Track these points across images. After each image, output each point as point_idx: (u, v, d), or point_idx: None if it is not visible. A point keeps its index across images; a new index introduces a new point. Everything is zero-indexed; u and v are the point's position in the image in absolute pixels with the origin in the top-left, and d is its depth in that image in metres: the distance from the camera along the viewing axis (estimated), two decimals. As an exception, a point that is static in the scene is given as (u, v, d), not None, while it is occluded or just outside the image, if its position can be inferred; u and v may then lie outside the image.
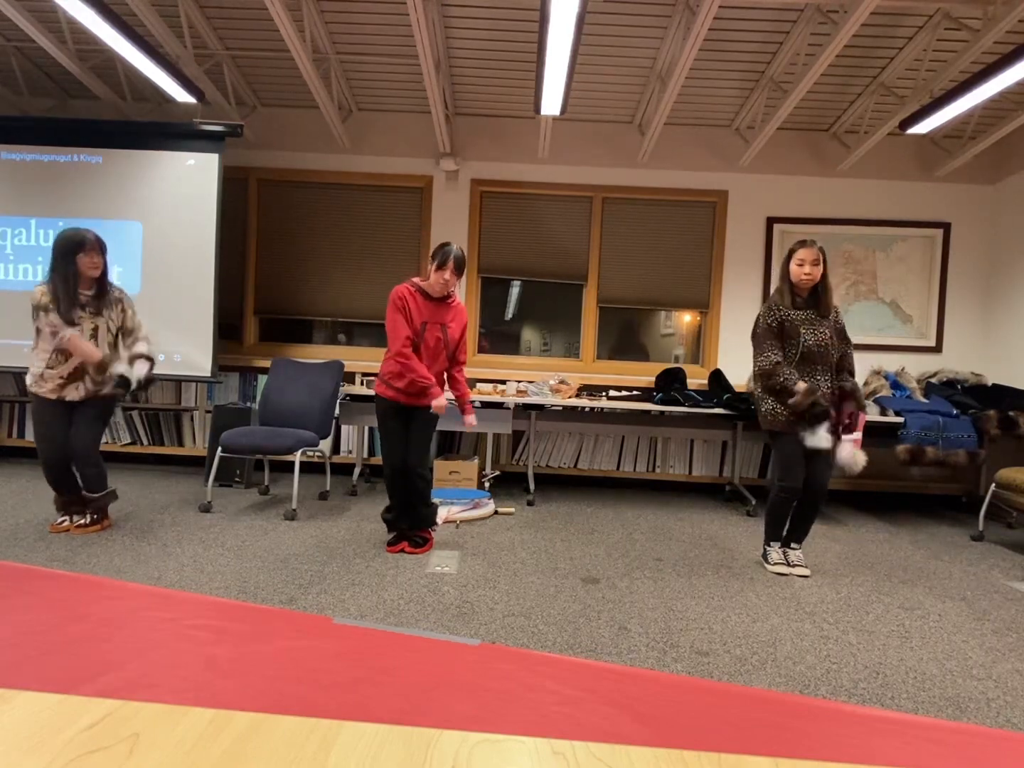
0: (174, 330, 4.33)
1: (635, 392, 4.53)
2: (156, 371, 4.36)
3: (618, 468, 4.80)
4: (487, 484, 4.30)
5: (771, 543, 2.94)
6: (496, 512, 3.76)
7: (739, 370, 4.56)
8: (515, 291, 4.99)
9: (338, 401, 4.06)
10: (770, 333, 2.77)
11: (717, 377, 4.51)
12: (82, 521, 3.05)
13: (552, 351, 5.01)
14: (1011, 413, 3.87)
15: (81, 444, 2.97)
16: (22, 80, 4.54)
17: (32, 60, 4.43)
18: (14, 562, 2.41)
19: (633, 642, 2.08)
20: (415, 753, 0.51)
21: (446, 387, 3.05)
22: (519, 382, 4.33)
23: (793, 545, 2.93)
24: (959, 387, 4.42)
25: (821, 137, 4.76)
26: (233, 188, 4.72)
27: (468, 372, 4.67)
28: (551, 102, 3.70)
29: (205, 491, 3.65)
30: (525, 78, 4.27)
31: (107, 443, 4.70)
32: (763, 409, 2.86)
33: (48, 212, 4.33)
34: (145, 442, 4.81)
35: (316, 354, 4.79)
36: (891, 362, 4.62)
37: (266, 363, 4.44)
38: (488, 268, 4.86)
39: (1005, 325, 4.59)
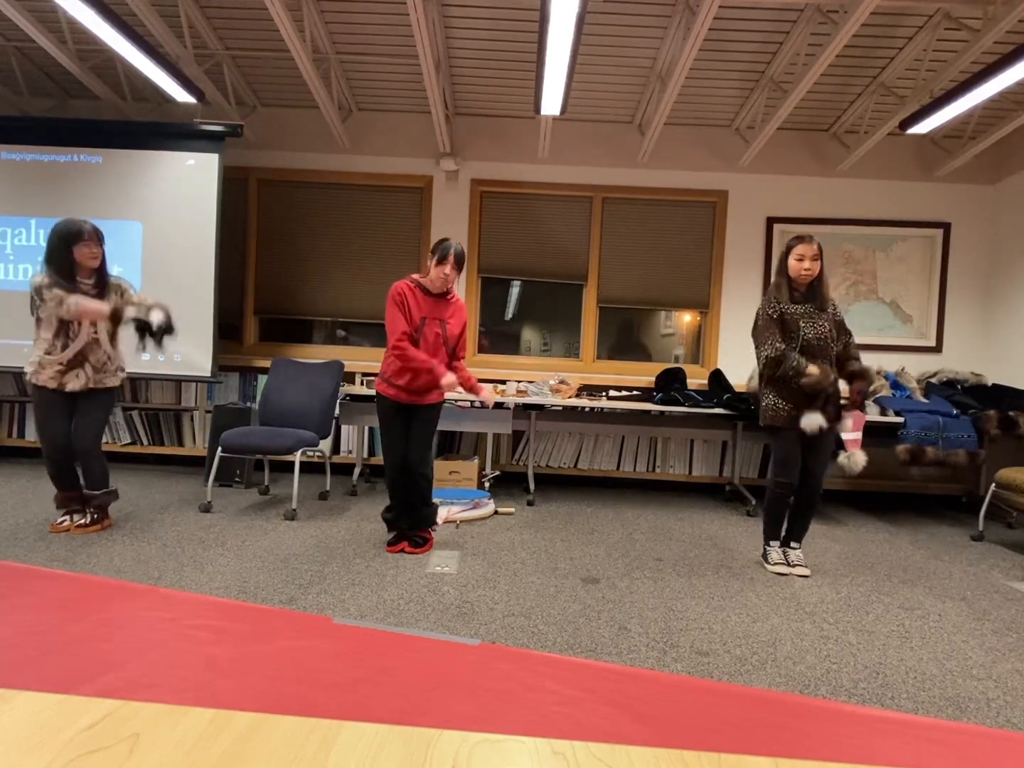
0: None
1: (635, 392, 4.53)
2: (155, 371, 4.38)
3: (618, 468, 4.80)
4: (487, 484, 4.30)
5: (771, 543, 2.94)
6: (496, 512, 3.76)
7: (739, 370, 4.56)
8: (515, 291, 4.99)
9: (338, 401, 4.06)
10: (772, 323, 2.78)
11: (717, 377, 4.51)
12: (82, 521, 3.05)
13: (552, 351, 5.01)
14: (1011, 413, 3.87)
15: (83, 439, 2.97)
16: (22, 80, 4.54)
17: (32, 60, 4.43)
18: (14, 562, 2.41)
19: (633, 642, 2.08)
20: (415, 753, 0.51)
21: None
22: (519, 382, 4.33)
23: (793, 545, 2.93)
24: (959, 387, 4.42)
25: (821, 137, 4.76)
26: (233, 188, 4.72)
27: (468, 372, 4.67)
28: (551, 102, 3.70)
29: (205, 491, 3.65)
30: (525, 78, 4.27)
31: (107, 443, 4.70)
32: (764, 404, 2.86)
33: (48, 212, 4.33)
34: (145, 442, 4.81)
35: (316, 354, 4.79)
36: (891, 362, 4.62)
37: (266, 363, 4.44)
38: (488, 268, 4.86)
39: (1005, 325, 4.59)
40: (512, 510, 3.83)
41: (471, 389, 2.96)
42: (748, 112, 4.49)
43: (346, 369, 4.23)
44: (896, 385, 4.40)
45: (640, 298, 4.87)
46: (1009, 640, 2.25)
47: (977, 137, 4.29)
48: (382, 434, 2.92)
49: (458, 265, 2.80)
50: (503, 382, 4.38)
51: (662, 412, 4.50)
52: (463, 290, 4.79)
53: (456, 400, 4.15)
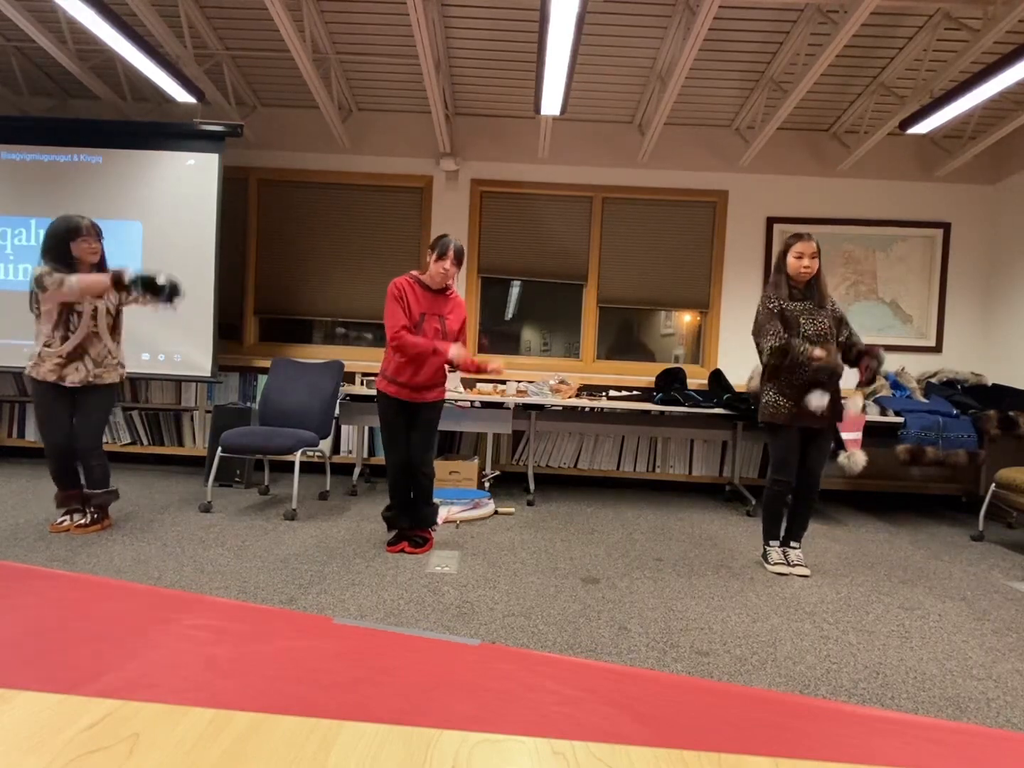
0: (174, 330, 4.33)
1: (635, 392, 4.53)
2: (155, 371, 4.38)
3: (618, 468, 4.80)
4: (487, 484, 4.30)
5: (770, 542, 2.94)
6: (496, 512, 3.76)
7: (739, 370, 4.56)
8: (515, 291, 4.99)
9: (338, 401, 4.06)
10: (773, 316, 2.77)
11: (717, 377, 4.51)
12: (82, 521, 3.05)
13: (552, 351, 5.01)
14: (1011, 413, 3.87)
15: (84, 438, 2.97)
16: (22, 80, 4.54)
17: (32, 60, 4.43)
18: (14, 562, 2.41)
19: (633, 642, 2.08)
20: (415, 753, 0.51)
21: (447, 382, 3.03)
22: (519, 382, 4.33)
23: (793, 544, 2.93)
24: (959, 387, 4.42)
25: (821, 137, 4.76)
26: (233, 188, 4.71)
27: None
28: (551, 102, 3.70)
29: (205, 491, 3.65)
30: (525, 78, 4.27)
31: (107, 443, 4.69)
32: (764, 401, 2.87)
33: (48, 212, 4.32)
34: (145, 442, 4.82)
35: (316, 354, 4.79)
36: (891, 362, 4.60)
37: (266, 363, 4.44)
38: (488, 268, 4.86)
39: (1005, 325, 4.59)
40: (512, 510, 3.83)
41: (479, 369, 2.87)
42: (748, 112, 4.49)
43: (346, 369, 4.23)
44: (896, 385, 4.40)
45: (640, 298, 4.87)
46: (1009, 640, 2.25)
47: (977, 137, 4.29)
48: (383, 433, 2.92)
49: (457, 260, 2.81)
50: (503, 382, 4.38)
51: (662, 412, 4.50)
52: (463, 289, 4.79)
53: (456, 400, 4.15)
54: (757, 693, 0.81)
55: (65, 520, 3.05)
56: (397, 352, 2.80)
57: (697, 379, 4.62)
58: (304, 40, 3.68)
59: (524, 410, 4.44)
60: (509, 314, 5.00)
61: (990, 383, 4.46)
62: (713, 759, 0.52)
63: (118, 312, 3.08)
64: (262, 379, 4.68)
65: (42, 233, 2.99)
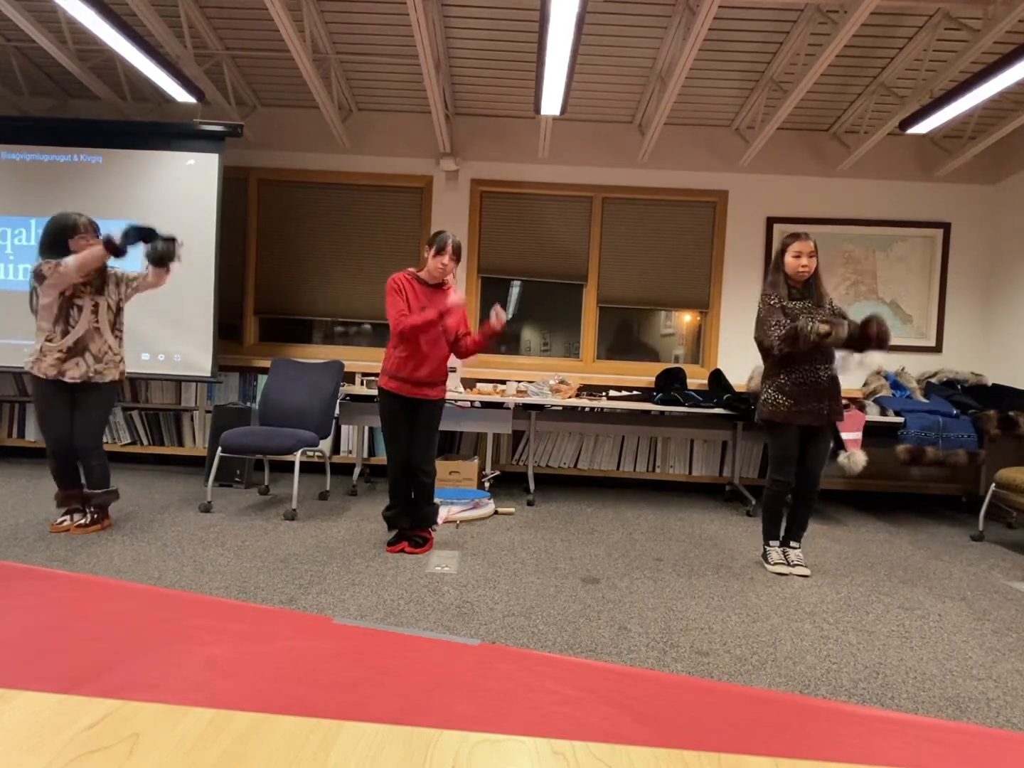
0: (174, 330, 4.33)
1: (635, 392, 4.53)
2: (155, 371, 4.38)
3: (618, 468, 4.80)
4: (487, 484, 4.30)
5: (770, 542, 2.94)
6: (496, 512, 3.76)
7: (739, 370, 4.56)
8: (515, 291, 4.99)
9: (338, 401, 4.06)
10: (775, 310, 2.77)
11: (717, 377, 4.51)
12: (82, 521, 3.05)
13: (552, 351, 5.01)
14: (1011, 413, 3.87)
15: (84, 438, 2.97)
16: (22, 80, 4.54)
17: (32, 60, 4.43)
18: (14, 562, 2.41)
19: (633, 642, 2.08)
20: (415, 753, 0.51)
21: (449, 381, 3.03)
22: (519, 382, 4.33)
23: (793, 544, 2.93)
24: (959, 387, 4.42)
25: (821, 137, 4.76)
26: (233, 188, 4.71)
27: (468, 372, 4.68)
28: (551, 102, 3.70)
29: (205, 491, 3.65)
30: (525, 78, 4.27)
31: (107, 443, 4.69)
32: (763, 398, 2.86)
33: (48, 212, 4.28)
34: (145, 442, 4.82)
35: (316, 354, 4.79)
36: (891, 362, 4.62)
37: (266, 363, 4.44)
38: (488, 268, 4.86)
39: (1005, 325, 4.59)
40: (512, 510, 3.83)
41: (484, 334, 2.88)
42: (748, 112, 4.49)
43: (346, 369, 4.23)
44: (896, 385, 4.40)
45: (640, 298, 4.87)
46: (1009, 640, 2.25)
47: (977, 137, 4.29)
48: (384, 432, 2.92)
49: (456, 256, 2.82)
50: (503, 382, 4.38)
51: (662, 412, 4.50)
52: (463, 289, 4.78)
53: (456, 400, 4.15)
54: (757, 693, 0.80)
55: (65, 520, 3.05)
56: (404, 339, 2.77)
57: (697, 379, 4.62)
58: (304, 40, 3.68)
59: (524, 410, 4.44)
60: (509, 314, 5.00)
61: (990, 383, 4.46)
62: (713, 759, 0.52)
63: (119, 309, 3.09)
64: (262, 379, 4.68)
65: (44, 228, 2.99)
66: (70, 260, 2.78)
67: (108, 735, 0.52)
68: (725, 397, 4.17)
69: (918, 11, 3.46)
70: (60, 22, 3.81)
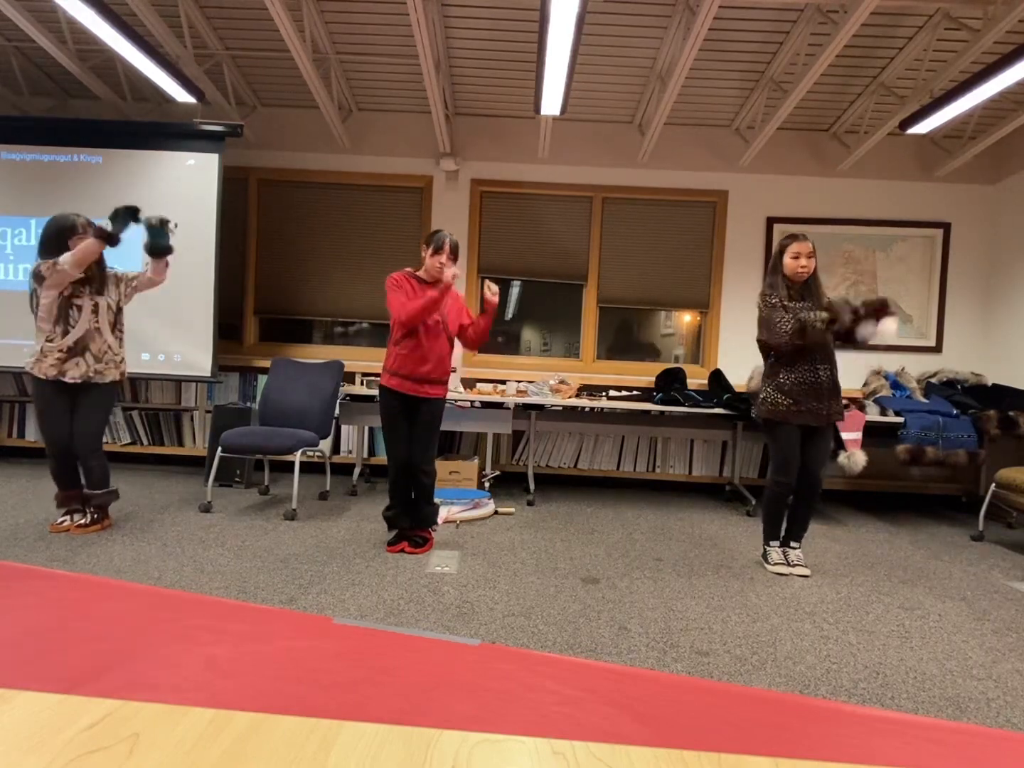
0: (174, 330, 4.33)
1: (635, 392, 4.53)
2: (155, 371, 4.38)
3: (618, 468, 4.80)
4: (487, 484, 4.30)
5: (770, 543, 2.94)
6: (496, 512, 3.76)
7: (739, 370, 4.56)
8: (515, 291, 4.99)
9: (338, 401, 4.06)
10: (778, 308, 2.75)
11: (717, 377, 4.51)
12: (82, 521, 3.05)
13: (552, 351, 5.01)
14: (1011, 413, 3.87)
15: (84, 439, 2.97)
16: (22, 80, 4.54)
17: (32, 60, 4.43)
18: (14, 562, 2.41)
19: (633, 642, 2.08)
20: (415, 753, 0.51)
21: (452, 382, 3.03)
22: (519, 382, 4.33)
23: (793, 544, 2.93)
24: (959, 387, 4.42)
25: (821, 137, 4.76)
26: (233, 188, 4.71)
27: (468, 372, 4.69)
28: (551, 102, 3.70)
29: (205, 491, 3.65)
30: (525, 78, 4.27)
31: (107, 443, 4.69)
32: (762, 396, 2.86)
33: (48, 212, 4.28)
34: (145, 442, 4.82)
35: (316, 354, 4.79)
36: (891, 362, 4.62)
37: (266, 363, 4.44)
38: (488, 268, 4.86)
39: (1005, 325, 4.59)
40: (512, 510, 3.83)
41: (486, 314, 2.94)
42: (748, 112, 4.49)
43: (346, 369, 4.23)
44: (896, 385, 4.40)
45: (640, 298, 4.87)
46: (1009, 640, 2.25)
47: (977, 137, 4.29)
48: (385, 433, 2.92)
49: (453, 254, 2.85)
50: (503, 382, 4.38)
51: (662, 412, 4.50)
52: (463, 290, 4.79)
53: (456, 400, 4.15)
54: (757, 693, 0.81)
55: (65, 520, 3.05)
56: (410, 325, 2.77)
57: (697, 379, 4.62)
58: (304, 40, 3.68)
59: (524, 410, 4.44)
60: (509, 314, 5.00)
61: (990, 383, 4.46)
62: (713, 759, 0.52)
63: (119, 309, 3.09)
64: (262, 379, 4.68)
65: (43, 229, 2.99)
66: (67, 257, 2.78)
67: (108, 735, 0.52)
68: (725, 397, 4.17)
69: (918, 11, 3.46)
70: (60, 22, 3.81)
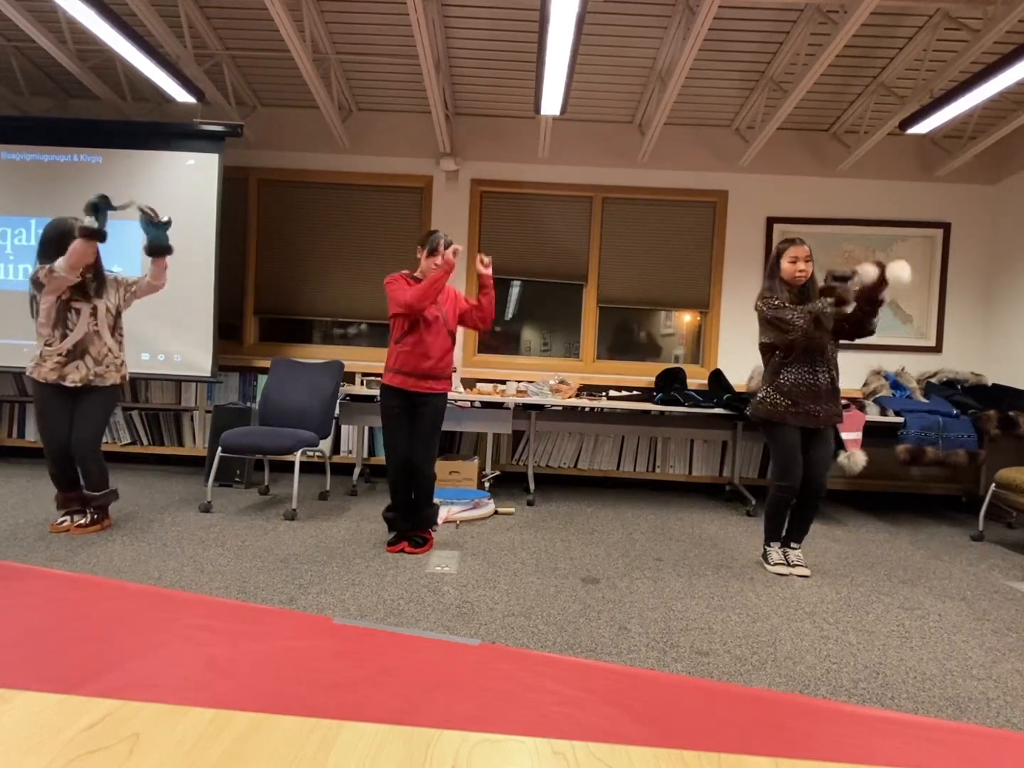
0: (174, 330, 4.33)
1: (635, 392, 4.53)
2: (155, 371, 4.38)
3: (618, 468, 4.80)
4: (487, 484, 4.30)
5: (771, 543, 2.94)
6: (496, 512, 3.76)
7: (739, 370, 4.56)
8: (515, 291, 4.99)
9: (338, 401, 4.06)
10: (782, 307, 2.73)
11: (717, 377, 4.51)
12: (82, 521, 3.05)
13: (552, 351, 5.01)
14: (1011, 413, 3.87)
15: (81, 443, 2.97)
16: (22, 80, 4.54)
17: (32, 60, 4.43)
18: (14, 562, 2.41)
19: (633, 642, 2.08)
20: (415, 753, 0.51)
21: (452, 378, 3.04)
22: (519, 382, 4.33)
23: (793, 545, 2.93)
24: (959, 387, 4.42)
25: (821, 137, 4.76)
26: (233, 188, 4.71)
27: (468, 372, 4.69)
28: (551, 102, 3.70)
29: (205, 491, 3.65)
30: (525, 78, 4.27)
31: (107, 443, 4.69)
32: (760, 396, 2.86)
33: (48, 212, 4.32)
34: (145, 442, 4.82)
35: (316, 354, 4.79)
36: (891, 362, 4.62)
37: (266, 363, 4.44)
38: (488, 268, 4.86)
39: (1005, 325, 4.59)
40: (512, 510, 3.83)
41: (484, 292, 2.94)
42: (748, 112, 4.49)
43: (346, 369, 4.23)
44: (896, 385, 4.40)
45: (640, 298, 4.87)
46: (1009, 640, 2.25)
47: (977, 137, 4.29)
48: (385, 433, 2.92)
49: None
50: (503, 382, 4.38)
51: (662, 412, 4.50)
52: (464, 288, 4.78)
53: (456, 400, 4.15)
54: (757, 693, 0.81)
55: (65, 520, 3.05)
56: (415, 308, 2.76)
57: (697, 379, 4.62)
58: (304, 40, 3.68)
59: (524, 410, 4.44)
60: (509, 314, 5.00)
61: (990, 383, 4.46)
62: (713, 759, 0.52)
63: (119, 312, 3.09)
64: (262, 379, 4.68)
65: (42, 233, 2.99)
66: (60, 262, 2.78)
67: (108, 735, 0.52)
68: (725, 397, 4.17)
69: (918, 11, 3.46)
70: (60, 22, 3.81)
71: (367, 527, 3.34)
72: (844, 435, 3.85)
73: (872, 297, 2.61)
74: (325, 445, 4.36)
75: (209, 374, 4.38)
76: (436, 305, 2.88)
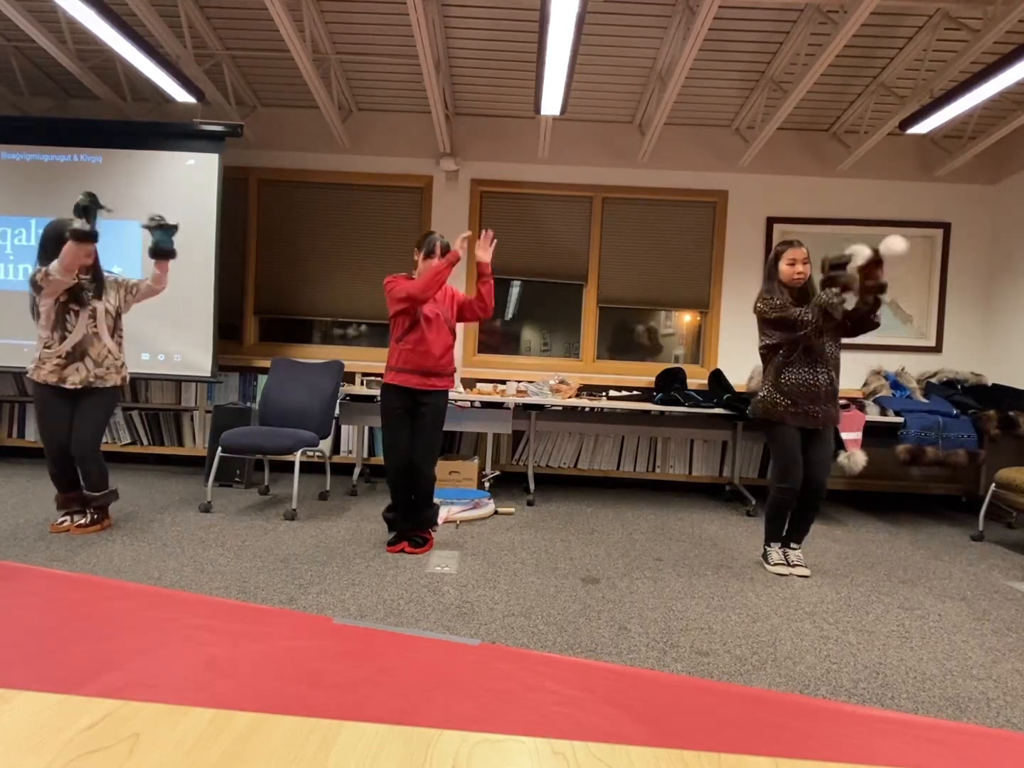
0: (174, 330, 4.33)
1: (635, 392, 4.53)
2: (155, 371, 4.38)
3: (618, 468, 4.80)
4: (487, 484, 4.30)
5: (771, 543, 2.94)
6: (496, 512, 3.76)
7: (739, 370, 4.56)
8: (515, 291, 4.99)
9: (338, 401, 4.06)
10: (786, 306, 2.73)
11: (717, 377, 4.51)
12: (82, 521, 3.05)
13: (552, 351, 5.01)
14: (1011, 413, 3.87)
15: (81, 443, 2.97)
16: (22, 80, 4.54)
17: (32, 60, 4.43)
18: (14, 562, 2.41)
19: (633, 642, 2.08)
20: (415, 753, 0.51)
21: (454, 376, 3.05)
22: (519, 382, 4.33)
23: (793, 545, 2.93)
24: (959, 387, 4.42)
25: (821, 137, 4.76)
26: (233, 188, 4.72)
27: (467, 372, 4.69)
28: (551, 102, 3.70)
29: (205, 491, 3.65)
30: (525, 78, 4.27)
31: (107, 443, 4.69)
32: (760, 395, 2.86)
33: (48, 212, 4.32)
34: (145, 442, 4.81)
35: (316, 354, 4.79)
36: (891, 362, 4.62)
37: (266, 363, 4.44)
38: (488, 268, 4.86)
39: (1005, 325, 4.59)
40: (512, 510, 3.83)
41: (483, 280, 2.93)
42: (748, 112, 4.49)
43: (346, 369, 4.23)
44: (896, 385, 4.40)
45: (640, 298, 4.87)
46: (1009, 640, 2.25)
47: (977, 137, 4.29)
48: (385, 434, 2.92)
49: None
50: (503, 382, 4.38)
51: (662, 412, 4.50)
52: (464, 288, 4.78)
53: (456, 400, 4.15)
54: (757, 693, 0.81)
55: (65, 520, 3.05)
56: (418, 303, 2.77)
57: (697, 379, 4.62)
58: (304, 40, 3.68)
59: (524, 410, 4.44)
60: (509, 314, 5.00)
61: (990, 383, 4.46)
62: (713, 759, 0.52)
63: (118, 314, 3.09)
64: (262, 379, 4.68)
65: (41, 233, 3.00)
66: (55, 265, 2.78)
67: (108, 735, 0.52)
68: (725, 397, 4.17)
69: (918, 11, 3.46)
70: (60, 22, 3.81)
71: (367, 527, 3.34)
72: (844, 435, 3.85)
73: (871, 283, 2.58)
74: (325, 445, 4.36)
75: (209, 374, 4.38)
76: (435, 303, 2.88)
